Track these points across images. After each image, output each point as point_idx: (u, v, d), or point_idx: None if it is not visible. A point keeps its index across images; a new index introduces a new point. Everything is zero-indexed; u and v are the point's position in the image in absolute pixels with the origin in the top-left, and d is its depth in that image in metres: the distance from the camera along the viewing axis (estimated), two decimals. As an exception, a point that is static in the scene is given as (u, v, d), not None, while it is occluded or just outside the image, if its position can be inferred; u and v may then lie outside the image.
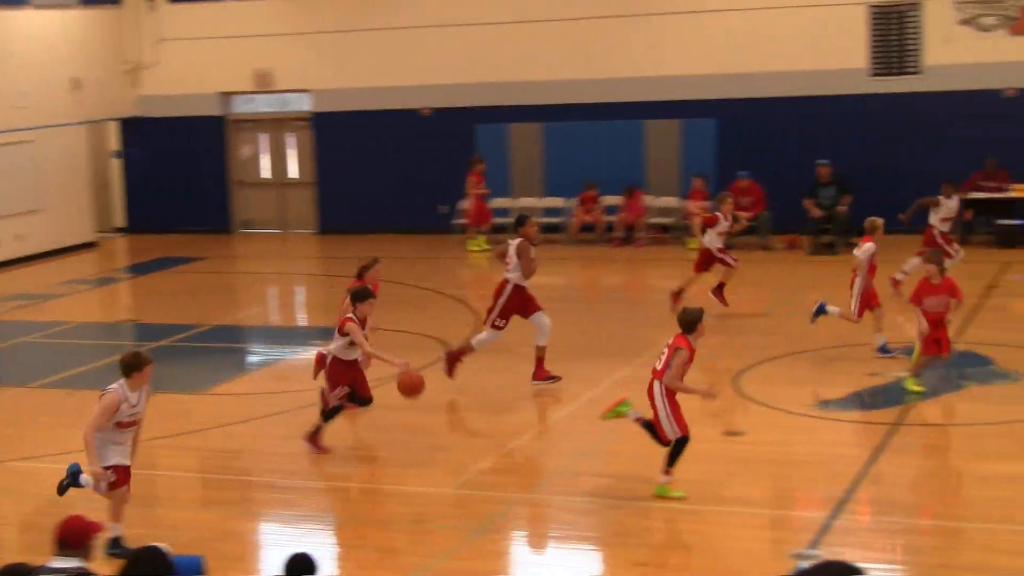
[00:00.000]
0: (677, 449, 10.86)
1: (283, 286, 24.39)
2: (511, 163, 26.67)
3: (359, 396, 12.66)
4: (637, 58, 25.76)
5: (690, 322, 10.89)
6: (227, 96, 29.17)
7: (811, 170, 23.93)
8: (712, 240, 18.22)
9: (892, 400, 13.65)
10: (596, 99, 26.07)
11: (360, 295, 12.72)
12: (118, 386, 9.87)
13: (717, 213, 18.50)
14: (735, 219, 19.14)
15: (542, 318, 14.76)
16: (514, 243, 14.79)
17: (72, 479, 10.15)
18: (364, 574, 9.64)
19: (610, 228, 25.53)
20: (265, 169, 29.60)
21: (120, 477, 9.87)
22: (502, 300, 14.76)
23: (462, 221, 26.01)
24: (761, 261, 23.14)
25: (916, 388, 13.65)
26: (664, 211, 25.72)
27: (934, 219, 19.32)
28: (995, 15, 23.95)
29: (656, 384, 10.86)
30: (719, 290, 18.28)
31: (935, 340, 13.49)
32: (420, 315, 19.10)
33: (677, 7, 25.51)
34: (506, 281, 14.78)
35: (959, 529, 9.98)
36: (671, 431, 10.82)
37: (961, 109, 24.16)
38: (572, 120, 26.20)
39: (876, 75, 24.69)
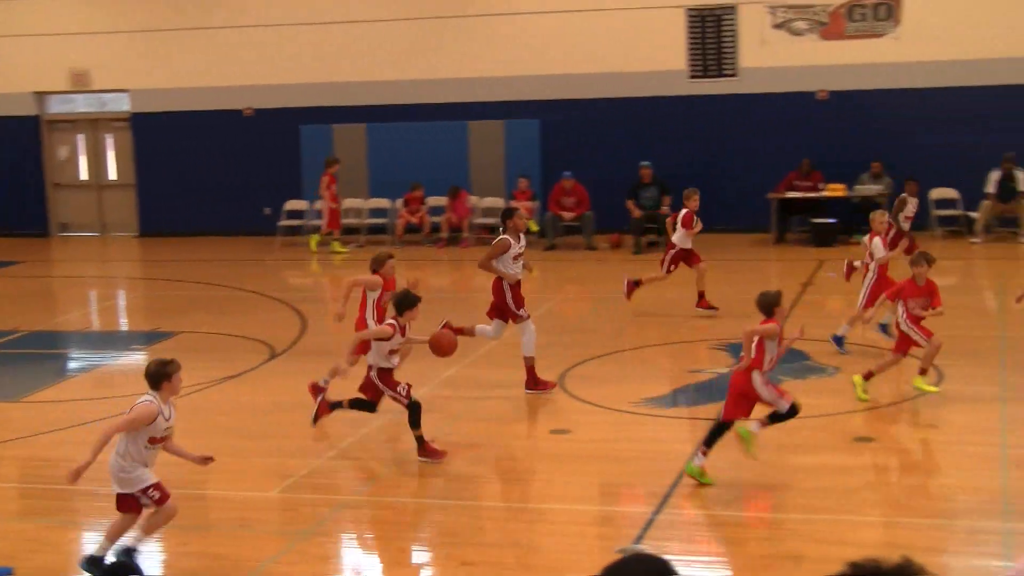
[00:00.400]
0: (720, 431, 10.86)
1: (103, 290, 23.87)
2: (336, 164, 26.50)
3: (372, 400, 12.12)
4: (461, 59, 25.86)
5: (767, 305, 10.90)
6: (42, 96, 28.44)
7: (634, 170, 24.31)
8: (682, 239, 17.77)
9: (713, 396, 13.91)
10: (420, 100, 26.11)
11: (408, 302, 12.00)
12: (151, 398, 9.06)
13: (691, 211, 17.72)
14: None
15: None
16: (501, 237, 14.44)
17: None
18: (188, 581, 9.48)
19: (436, 229, 25.57)
20: (83, 171, 28.95)
21: (164, 491, 9.21)
22: (507, 297, 14.20)
23: (318, 223, 25.71)
24: (585, 260, 23.42)
25: (930, 388, 13.30)
26: (489, 211, 25.85)
27: (898, 218, 19.44)
28: (807, 20, 24.63)
29: (755, 374, 10.74)
30: (702, 300, 17.83)
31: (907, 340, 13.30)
32: (245, 319, 18.87)
33: (499, 8, 25.70)
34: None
35: (779, 520, 10.22)
36: (780, 404, 10.82)
37: (776, 111, 24.80)
38: (396, 121, 26.19)
39: (694, 77, 25.19)
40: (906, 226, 19.52)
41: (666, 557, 3.91)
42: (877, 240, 15.45)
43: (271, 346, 16.67)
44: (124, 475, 9.13)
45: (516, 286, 14.24)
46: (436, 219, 25.66)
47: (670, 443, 12.58)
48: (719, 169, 24.93)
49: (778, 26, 24.77)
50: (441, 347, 12.43)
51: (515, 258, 14.19)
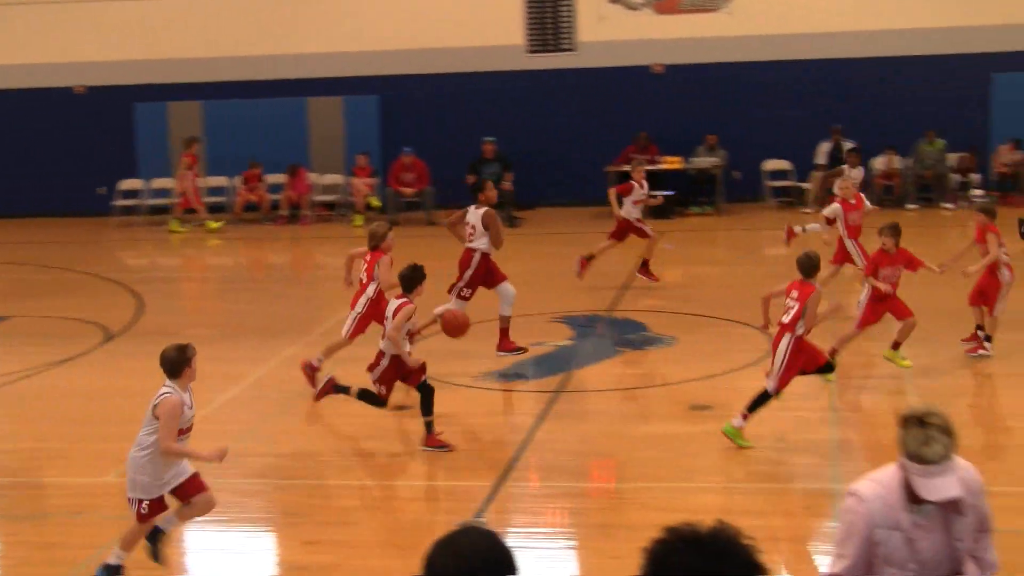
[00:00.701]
0: (762, 400, 10.86)
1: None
2: (171, 142, 26.06)
3: (385, 397, 11.48)
4: (299, 35, 25.62)
5: (812, 267, 10.97)
6: None
7: (475, 146, 24.33)
8: (629, 210, 17.63)
9: (554, 368, 14.04)
10: (258, 76, 25.80)
11: (417, 277, 11.40)
12: (171, 389, 8.50)
13: (631, 181, 17.74)
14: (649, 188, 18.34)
15: (507, 288, 14.34)
16: (479, 211, 14.26)
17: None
18: (20, 571, 9.26)
19: (275, 206, 25.31)
20: (-94, 151, 27.98)
21: (199, 483, 8.75)
22: (469, 271, 14.21)
23: (176, 201, 25.16)
24: (426, 236, 23.38)
25: (904, 363, 13.14)
26: (329, 188, 25.68)
27: (838, 189, 19.53)
28: (643, -6, 24.89)
29: (786, 337, 10.79)
30: (645, 268, 17.80)
31: (878, 310, 13.17)
32: (79, 301, 18.47)
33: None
34: (472, 251, 14.25)
35: (619, 490, 10.36)
36: (773, 381, 10.84)
37: (614, 85, 25.04)
38: (233, 98, 25.81)
39: (533, 52, 25.29)
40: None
41: (496, 530, 3.94)
42: (837, 205, 15.85)
43: (106, 328, 16.34)
44: (143, 478, 8.53)
45: (486, 260, 14.38)
46: (275, 197, 25.38)
47: (513, 416, 12.68)
48: (559, 143, 25.10)
49: (615, 0, 24.99)
50: (454, 328, 11.84)
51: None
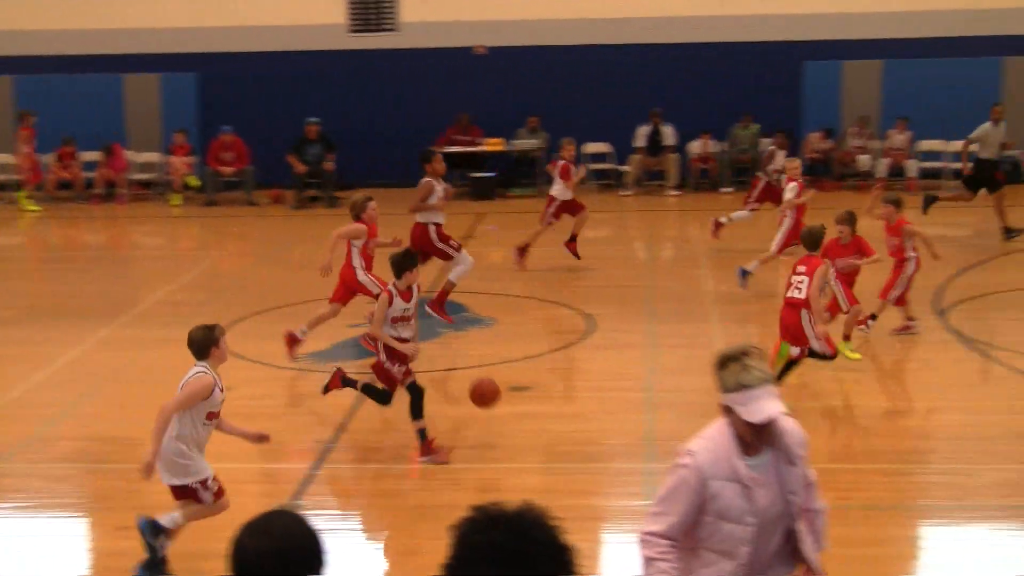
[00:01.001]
0: (792, 366, 11.45)
1: None
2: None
3: (387, 390, 10.70)
4: (114, 10, 25.00)
5: (815, 240, 11.29)
6: None
7: (298, 126, 24.06)
8: (562, 191, 17.36)
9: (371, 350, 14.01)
10: (72, 51, 25.11)
11: (409, 261, 10.45)
12: (204, 368, 8.19)
13: (564, 161, 17.40)
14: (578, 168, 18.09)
15: (465, 256, 14.91)
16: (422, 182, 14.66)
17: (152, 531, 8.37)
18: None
19: (89, 184, 24.69)
20: None
21: (220, 484, 8.41)
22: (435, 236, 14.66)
23: (16, 177, 24.23)
24: (246, 215, 23.15)
25: (853, 355, 12.91)
26: (146, 167, 25.18)
27: (768, 170, 19.26)
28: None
29: (803, 313, 11.16)
30: (571, 243, 17.56)
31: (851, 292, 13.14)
32: None
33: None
34: (422, 226, 14.68)
35: (436, 470, 10.38)
36: (821, 347, 11.36)
37: (436, 66, 25.02)
38: (46, 72, 25.09)
39: (355, 31, 25.13)
40: (774, 178, 18.84)
41: (311, 512, 3.94)
42: (793, 185, 16.03)
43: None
44: (182, 461, 8.23)
45: (440, 227, 14.78)
46: (90, 175, 24.75)
47: (331, 397, 12.59)
48: (381, 124, 24.99)
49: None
50: (484, 396, 10.48)
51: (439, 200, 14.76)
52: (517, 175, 24.74)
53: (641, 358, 13.32)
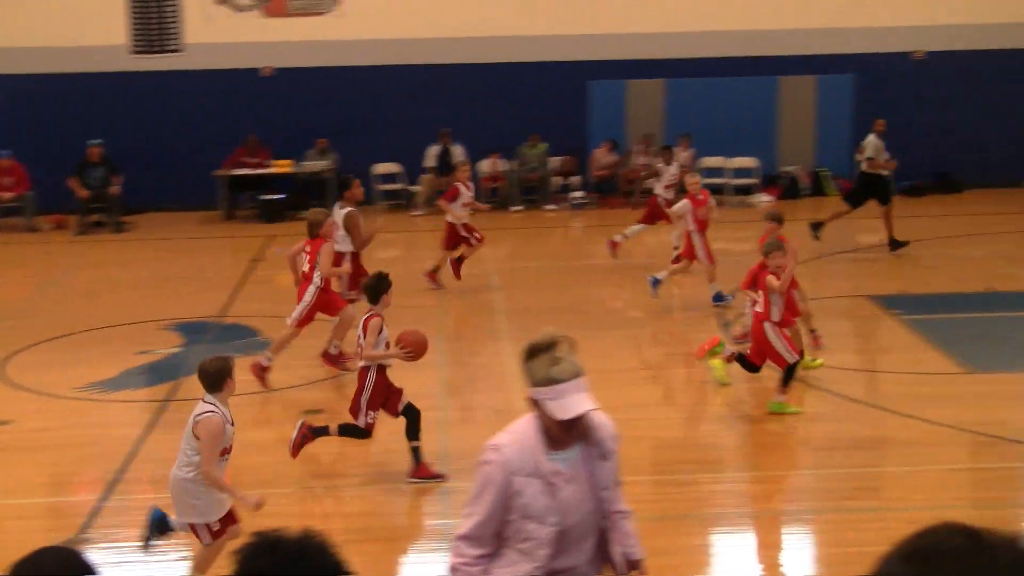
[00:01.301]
0: (790, 373, 11.61)
1: None
2: None
3: (391, 412, 10.51)
4: None
5: (768, 253, 11.64)
6: None
7: (80, 148, 23.48)
8: (459, 214, 17.05)
9: (163, 376, 13.77)
10: None
11: (383, 286, 10.39)
12: (212, 406, 7.87)
13: (457, 184, 17.15)
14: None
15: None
16: (342, 211, 14.05)
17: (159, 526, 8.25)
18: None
19: None
20: None
21: (228, 521, 8.04)
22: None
23: None
24: (27, 242, 22.51)
25: (816, 363, 12.95)
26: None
27: (658, 188, 19.19)
28: (250, -3, 24.69)
29: (765, 325, 11.50)
30: (457, 264, 17.30)
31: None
32: None
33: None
34: (340, 254, 13.86)
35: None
36: (789, 356, 11.52)
37: (223, 88, 24.72)
38: None
39: (137, 52, 24.65)
40: (668, 194, 18.81)
41: (93, 547, 3.86)
42: (686, 201, 16.09)
43: None
44: (196, 501, 7.96)
45: (355, 260, 14.37)
46: None
47: (118, 427, 12.34)
48: (167, 147, 24.55)
49: (222, 2, 24.66)
50: (417, 346, 10.45)
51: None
52: (306, 196, 24.56)
53: (434, 377, 13.35)
